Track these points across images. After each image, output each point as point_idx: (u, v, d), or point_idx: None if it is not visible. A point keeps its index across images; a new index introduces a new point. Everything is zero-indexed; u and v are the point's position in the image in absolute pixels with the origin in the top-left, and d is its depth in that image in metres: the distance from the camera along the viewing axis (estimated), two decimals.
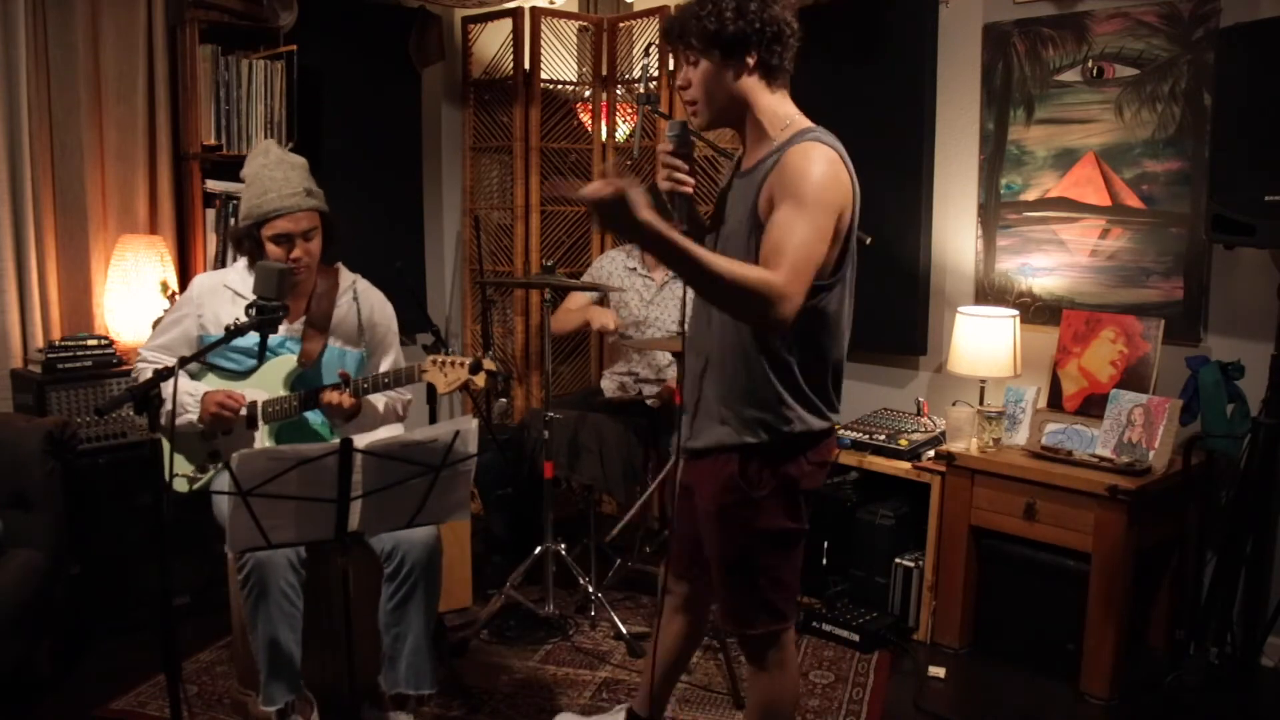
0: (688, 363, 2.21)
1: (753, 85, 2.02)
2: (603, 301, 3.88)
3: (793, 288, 1.84)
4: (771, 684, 2.24)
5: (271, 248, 2.69)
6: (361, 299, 2.90)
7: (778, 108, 2.06)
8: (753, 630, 2.18)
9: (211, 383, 2.74)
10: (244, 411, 2.68)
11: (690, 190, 2.05)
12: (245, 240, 2.74)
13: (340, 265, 2.92)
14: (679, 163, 2.02)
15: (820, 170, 1.92)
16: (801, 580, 3.59)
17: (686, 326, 2.22)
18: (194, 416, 2.67)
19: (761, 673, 2.24)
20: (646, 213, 1.77)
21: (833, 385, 2.12)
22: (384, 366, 2.89)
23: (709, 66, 2.00)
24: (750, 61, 2.00)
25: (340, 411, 2.67)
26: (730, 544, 2.14)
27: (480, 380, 2.56)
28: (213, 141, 3.59)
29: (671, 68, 4.12)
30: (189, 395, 2.68)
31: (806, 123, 2.06)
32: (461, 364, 2.56)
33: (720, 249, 2.05)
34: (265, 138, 3.66)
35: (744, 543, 2.12)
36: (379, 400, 2.83)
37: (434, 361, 2.59)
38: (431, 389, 2.95)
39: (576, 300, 3.87)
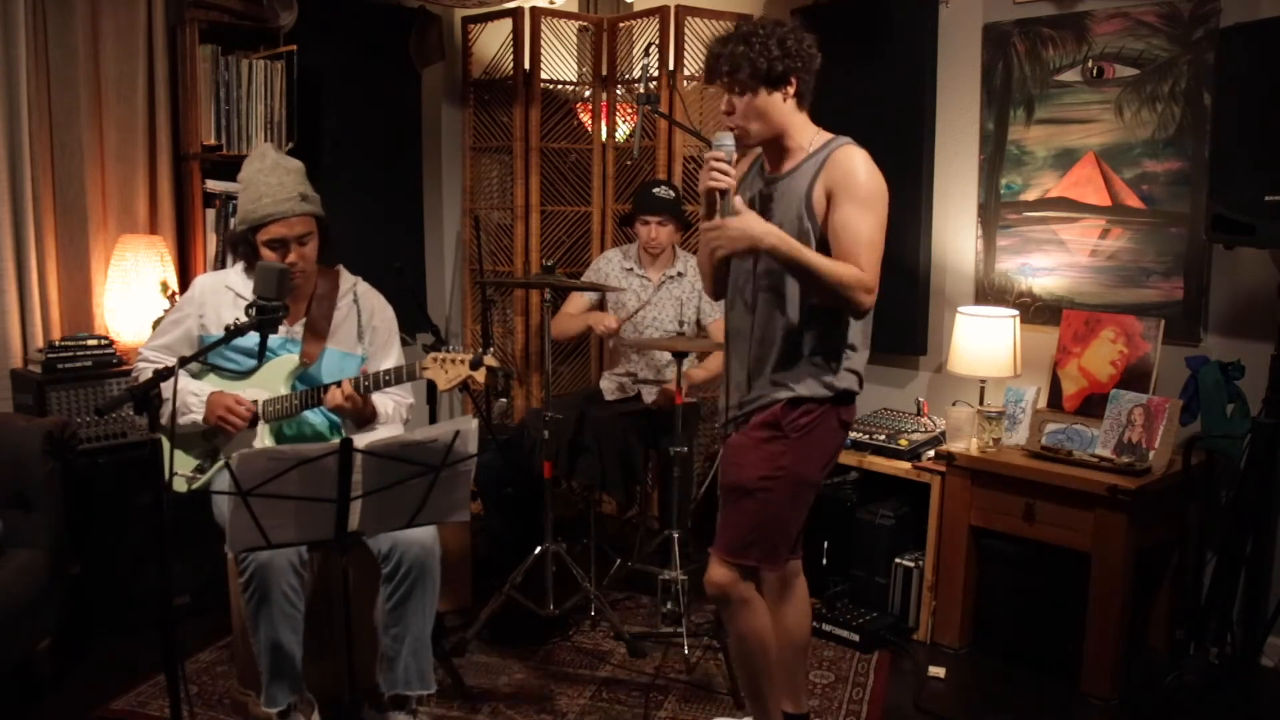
0: (734, 346, 2.46)
1: (789, 109, 2.31)
2: (601, 304, 3.88)
3: (874, 279, 2.23)
4: (739, 616, 2.43)
5: (266, 253, 2.68)
6: (362, 301, 2.90)
7: (806, 125, 2.36)
8: (744, 560, 2.39)
9: (213, 382, 2.74)
10: (249, 425, 2.68)
11: (732, 185, 2.24)
12: (240, 245, 2.74)
13: (341, 267, 2.92)
14: (725, 165, 2.22)
15: (868, 169, 2.26)
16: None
17: (724, 315, 2.52)
18: (198, 416, 2.67)
19: (732, 604, 2.42)
20: (766, 231, 2.19)
21: (865, 358, 2.43)
22: (386, 365, 2.88)
23: (756, 97, 2.27)
24: (790, 90, 2.29)
25: (346, 410, 2.66)
26: (750, 473, 2.36)
27: (481, 376, 2.53)
28: (213, 141, 3.59)
29: (671, 68, 4.12)
30: (193, 395, 2.68)
31: (829, 134, 2.35)
32: (462, 360, 2.54)
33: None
34: (265, 138, 3.67)
35: (764, 474, 2.34)
36: (387, 402, 2.82)
37: (434, 359, 2.57)
38: (432, 388, 2.94)
39: (576, 304, 3.86)
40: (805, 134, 2.34)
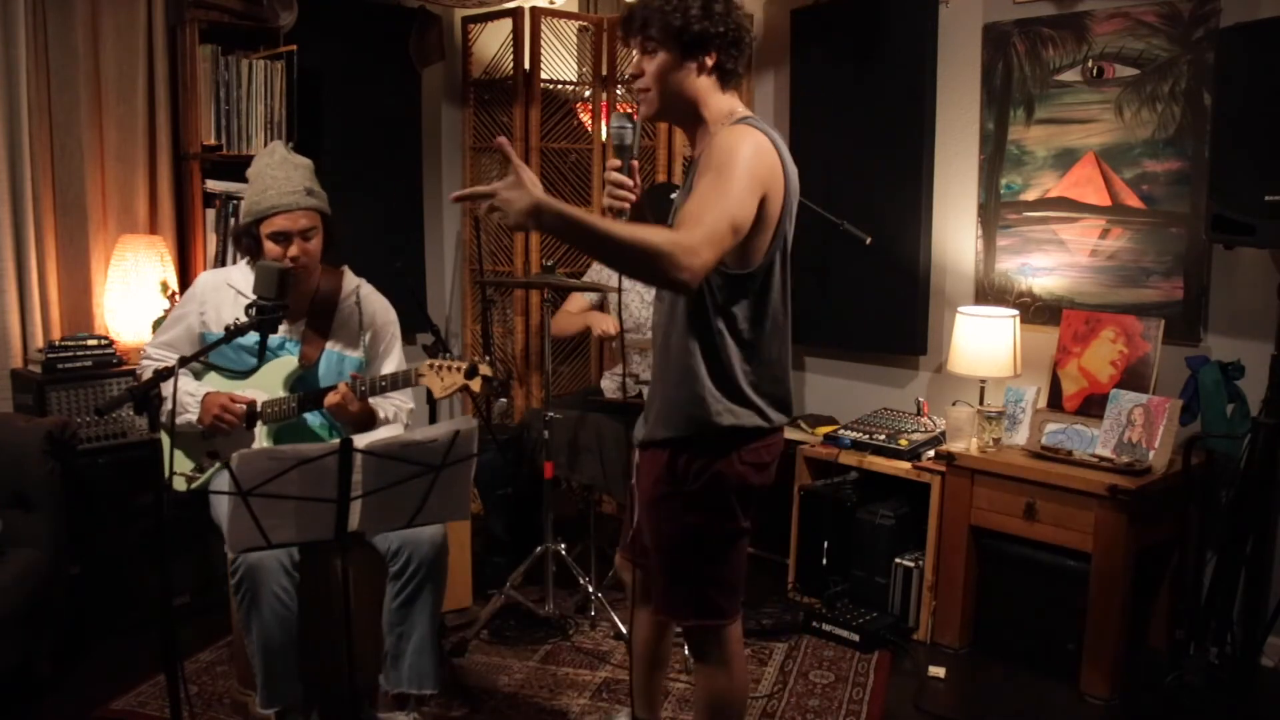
0: (653, 360, 2.23)
1: (707, 85, 2.04)
2: (603, 304, 3.88)
3: (702, 249, 1.80)
4: (713, 681, 2.22)
5: (269, 245, 2.67)
6: (364, 303, 2.88)
7: (725, 107, 2.07)
8: (684, 622, 2.20)
9: (213, 381, 2.74)
10: (243, 423, 2.68)
11: (628, 206, 2.10)
12: (244, 238, 2.74)
13: (345, 268, 2.91)
14: (624, 179, 2.07)
15: (747, 148, 1.93)
16: (801, 580, 3.67)
17: (651, 328, 2.25)
18: (193, 417, 2.67)
19: (703, 668, 2.24)
20: (531, 197, 1.75)
21: (772, 384, 2.10)
22: (385, 371, 2.87)
23: (666, 60, 2.01)
24: (709, 62, 2.02)
25: (345, 414, 2.66)
26: (663, 535, 2.16)
27: (476, 385, 2.52)
28: (213, 141, 3.59)
29: None
30: (189, 395, 2.68)
31: (748, 113, 2.07)
32: (457, 368, 2.52)
33: None
34: (265, 138, 3.66)
35: (675, 534, 2.13)
36: (386, 406, 2.81)
37: (430, 365, 2.56)
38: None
39: (576, 303, 3.86)
40: (721, 118, 2.04)
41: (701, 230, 1.82)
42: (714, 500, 2.09)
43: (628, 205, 2.11)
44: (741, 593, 2.22)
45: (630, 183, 2.10)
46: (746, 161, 1.91)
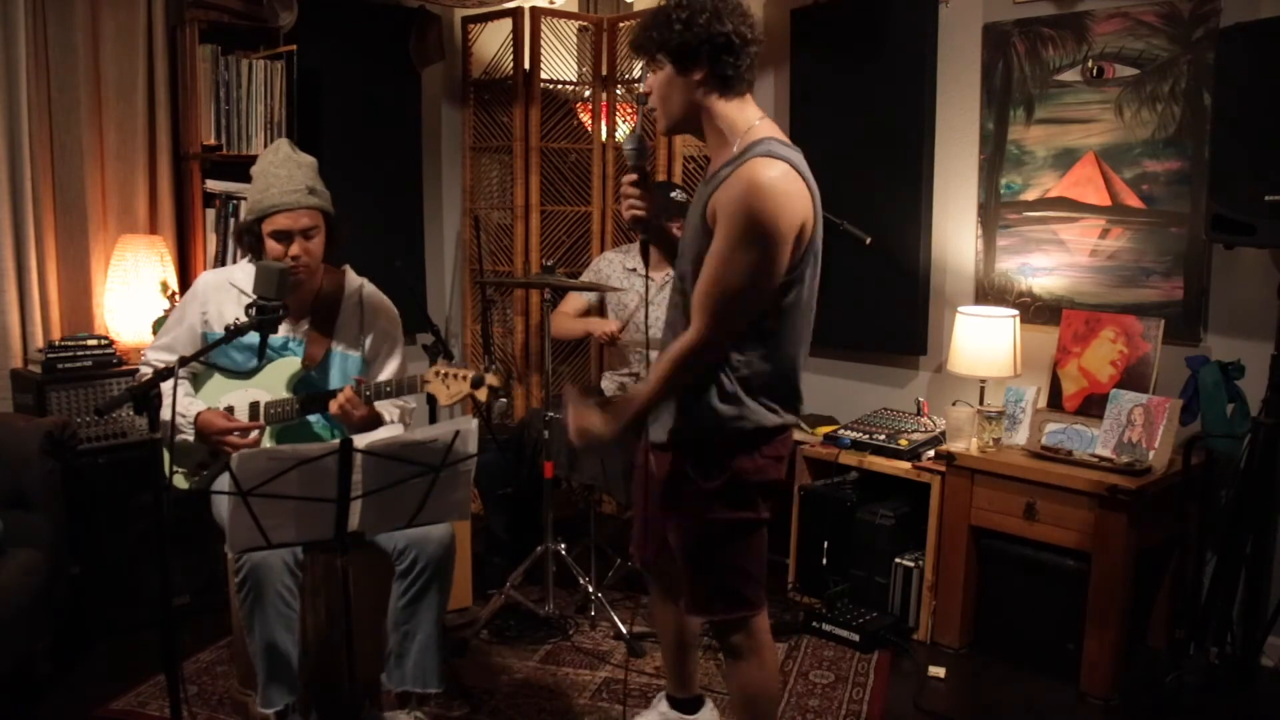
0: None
1: (707, 94, 2.08)
2: (602, 303, 3.88)
3: (714, 335, 2.02)
4: (744, 672, 2.29)
5: (271, 244, 2.66)
6: (366, 303, 2.87)
7: (736, 115, 2.09)
8: (713, 617, 2.26)
9: (216, 382, 2.73)
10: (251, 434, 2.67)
11: (645, 214, 2.22)
12: (246, 235, 2.73)
13: (348, 268, 2.90)
14: (634, 191, 2.19)
15: (759, 193, 1.95)
16: (801, 580, 3.67)
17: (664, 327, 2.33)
18: (190, 436, 2.65)
19: (734, 661, 2.30)
20: (606, 423, 2.09)
21: (788, 382, 2.16)
22: (386, 373, 2.84)
23: (665, 75, 2.08)
24: (703, 73, 2.06)
25: (349, 419, 2.64)
26: (686, 533, 2.22)
27: (482, 395, 2.52)
28: (213, 141, 3.59)
29: None
30: (181, 417, 2.64)
31: (766, 130, 2.08)
32: (464, 377, 2.50)
33: (681, 256, 2.20)
34: (265, 138, 3.67)
35: (699, 532, 2.20)
36: (393, 410, 2.79)
37: (436, 373, 2.54)
38: None
39: (573, 304, 3.86)
40: (735, 129, 2.07)
41: (709, 321, 2.01)
42: (735, 496, 2.16)
43: (643, 213, 2.21)
44: (764, 582, 2.27)
45: (641, 194, 2.20)
46: (754, 219, 1.94)
